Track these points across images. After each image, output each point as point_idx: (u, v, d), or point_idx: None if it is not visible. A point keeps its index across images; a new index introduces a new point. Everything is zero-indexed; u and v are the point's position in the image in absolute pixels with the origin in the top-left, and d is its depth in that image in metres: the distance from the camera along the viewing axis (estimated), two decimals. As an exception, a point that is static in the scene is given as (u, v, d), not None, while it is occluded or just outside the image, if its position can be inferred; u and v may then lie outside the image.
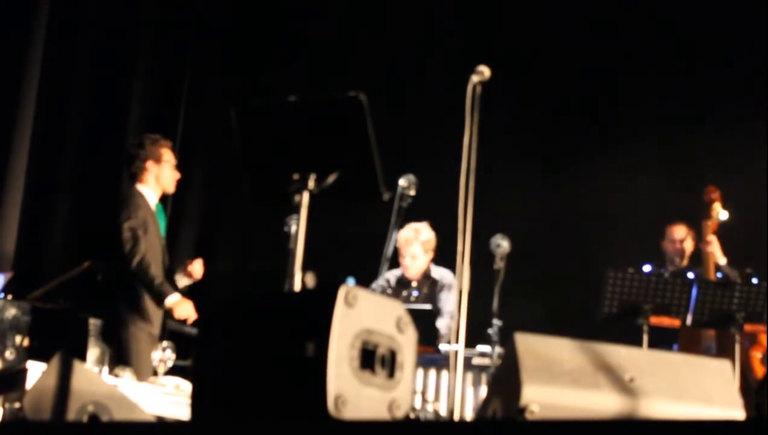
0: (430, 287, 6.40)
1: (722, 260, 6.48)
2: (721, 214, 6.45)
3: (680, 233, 6.84)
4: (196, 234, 8.43)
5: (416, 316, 3.28)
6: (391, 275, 6.48)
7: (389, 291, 6.43)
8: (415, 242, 6.33)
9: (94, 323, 5.77)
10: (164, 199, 5.95)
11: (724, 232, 6.61)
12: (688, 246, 6.84)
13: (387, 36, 8.18)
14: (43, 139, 7.37)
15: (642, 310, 5.61)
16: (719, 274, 6.43)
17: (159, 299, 5.47)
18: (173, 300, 5.47)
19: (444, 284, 6.33)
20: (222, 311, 3.36)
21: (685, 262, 6.83)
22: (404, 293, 6.42)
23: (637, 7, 7.93)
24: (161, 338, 5.48)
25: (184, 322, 6.04)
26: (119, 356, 5.42)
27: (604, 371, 3.31)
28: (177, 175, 5.81)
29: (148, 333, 5.49)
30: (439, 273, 6.40)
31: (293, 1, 8.67)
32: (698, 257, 6.64)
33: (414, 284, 6.45)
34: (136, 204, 5.62)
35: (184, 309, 5.49)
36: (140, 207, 5.61)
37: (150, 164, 5.70)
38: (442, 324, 6.17)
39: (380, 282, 6.33)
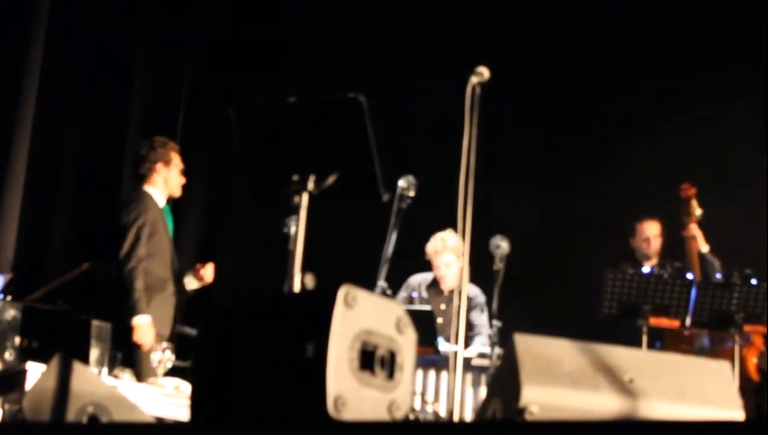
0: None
1: (704, 248, 6.49)
2: (697, 210, 6.49)
3: (653, 229, 6.81)
4: (195, 235, 8.42)
5: (416, 317, 3.28)
6: (422, 280, 6.49)
7: (425, 296, 6.44)
8: (444, 251, 6.39)
9: (97, 324, 5.76)
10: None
11: (726, 231, 6.61)
12: (660, 241, 6.80)
13: (387, 36, 8.18)
14: (43, 139, 7.37)
15: (641, 311, 5.61)
16: (714, 273, 6.42)
17: (131, 312, 5.42)
18: (141, 321, 5.41)
19: (478, 303, 6.35)
20: (222, 312, 3.36)
21: (655, 260, 6.78)
22: (438, 304, 6.42)
23: (636, 7, 7.93)
24: (170, 340, 5.48)
25: (183, 322, 6.04)
26: (127, 358, 5.41)
27: (603, 372, 3.31)
28: (183, 180, 5.84)
29: (157, 334, 5.47)
30: (470, 290, 6.38)
31: (293, 1, 8.67)
32: (676, 250, 6.62)
33: (446, 295, 6.46)
34: (146, 205, 5.62)
35: (144, 334, 5.40)
36: (150, 208, 5.62)
37: (159, 166, 5.72)
38: (479, 342, 6.18)
39: (410, 284, 6.37)
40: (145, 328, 5.40)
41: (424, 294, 6.47)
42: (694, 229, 6.47)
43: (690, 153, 7.44)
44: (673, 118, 7.66)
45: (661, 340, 6.27)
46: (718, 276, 6.36)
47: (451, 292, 6.44)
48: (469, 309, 6.28)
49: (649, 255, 6.77)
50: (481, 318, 6.34)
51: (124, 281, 5.43)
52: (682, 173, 7.27)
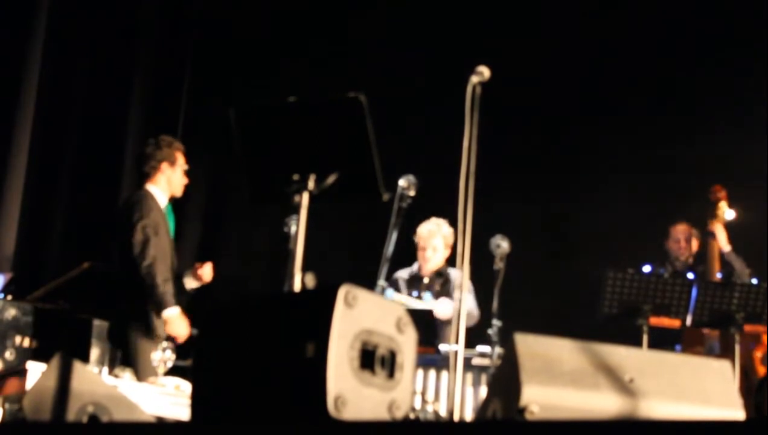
0: (443, 285, 6.40)
1: (726, 248, 6.48)
2: (727, 213, 6.47)
3: (684, 233, 6.83)
4: (196, 235, 8.43)
5: (416, 316, 3.28)
6: (403, 273, 6.48)
7: (404, 290, 6.42)
8: (438, 235, 6.39)
9: (97, 324, 5.75)
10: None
11: (728, 231, 6.62)
12: (693, 245, 6.82)
13: (387, 36, 8.18)
14: (43, 139, 7.38)
15: (642, 311, 5.61)
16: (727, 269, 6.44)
17: (158, 307, 5.40)
18: (171, 313, 5.39)
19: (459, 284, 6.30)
20: (222, 311, 3.35)
21: (687, 260, 6.80)
22: (416, 290, 6.40)
23: (636, 8, 7.93)
24: (167, 339, 5.47)
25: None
26: (126, 357, 5.41)
27: (603, 372, 3.31)
28: (186, 181, 5.83)
29: (157, 335, 5.48)
30: (455, 273, 6.37)
31: (292, 2, 8.68)
32: (703, 255, 6.64)
33: (426, 281, 6.44)
34: (148, 205, 5.61)
35: (178, 325, 5.39)
36: (152, 208, 5.61)
37: (164, 166, 5.70)
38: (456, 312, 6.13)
39: (391, 278, 6.33)
40: (177, 319, 5.39)
41: (405, 291, 6.45)
42: (716, 229, 6.46)
43: (690, 153, 7.44)
44: (675, 118, 7.67)
45: (681, 343, 6.28)
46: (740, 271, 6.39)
47: (430, 276, 6.44)
48: (454, 289, 6.27)
49: (679, 257, 6.80)
50: (467, 299, 6.27)
51: (144, 278, 5.40)
52: (682, 173, 7.28)
